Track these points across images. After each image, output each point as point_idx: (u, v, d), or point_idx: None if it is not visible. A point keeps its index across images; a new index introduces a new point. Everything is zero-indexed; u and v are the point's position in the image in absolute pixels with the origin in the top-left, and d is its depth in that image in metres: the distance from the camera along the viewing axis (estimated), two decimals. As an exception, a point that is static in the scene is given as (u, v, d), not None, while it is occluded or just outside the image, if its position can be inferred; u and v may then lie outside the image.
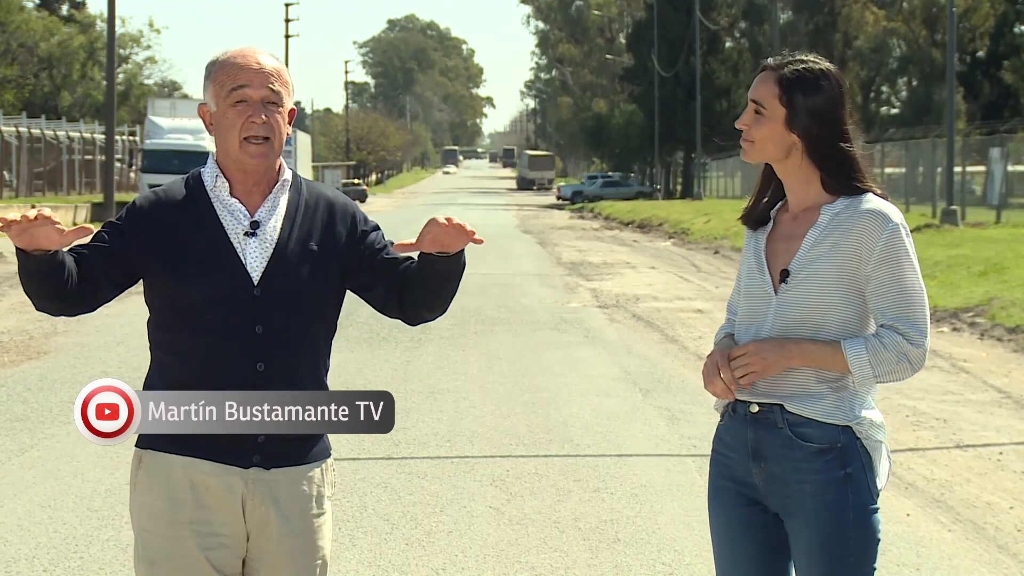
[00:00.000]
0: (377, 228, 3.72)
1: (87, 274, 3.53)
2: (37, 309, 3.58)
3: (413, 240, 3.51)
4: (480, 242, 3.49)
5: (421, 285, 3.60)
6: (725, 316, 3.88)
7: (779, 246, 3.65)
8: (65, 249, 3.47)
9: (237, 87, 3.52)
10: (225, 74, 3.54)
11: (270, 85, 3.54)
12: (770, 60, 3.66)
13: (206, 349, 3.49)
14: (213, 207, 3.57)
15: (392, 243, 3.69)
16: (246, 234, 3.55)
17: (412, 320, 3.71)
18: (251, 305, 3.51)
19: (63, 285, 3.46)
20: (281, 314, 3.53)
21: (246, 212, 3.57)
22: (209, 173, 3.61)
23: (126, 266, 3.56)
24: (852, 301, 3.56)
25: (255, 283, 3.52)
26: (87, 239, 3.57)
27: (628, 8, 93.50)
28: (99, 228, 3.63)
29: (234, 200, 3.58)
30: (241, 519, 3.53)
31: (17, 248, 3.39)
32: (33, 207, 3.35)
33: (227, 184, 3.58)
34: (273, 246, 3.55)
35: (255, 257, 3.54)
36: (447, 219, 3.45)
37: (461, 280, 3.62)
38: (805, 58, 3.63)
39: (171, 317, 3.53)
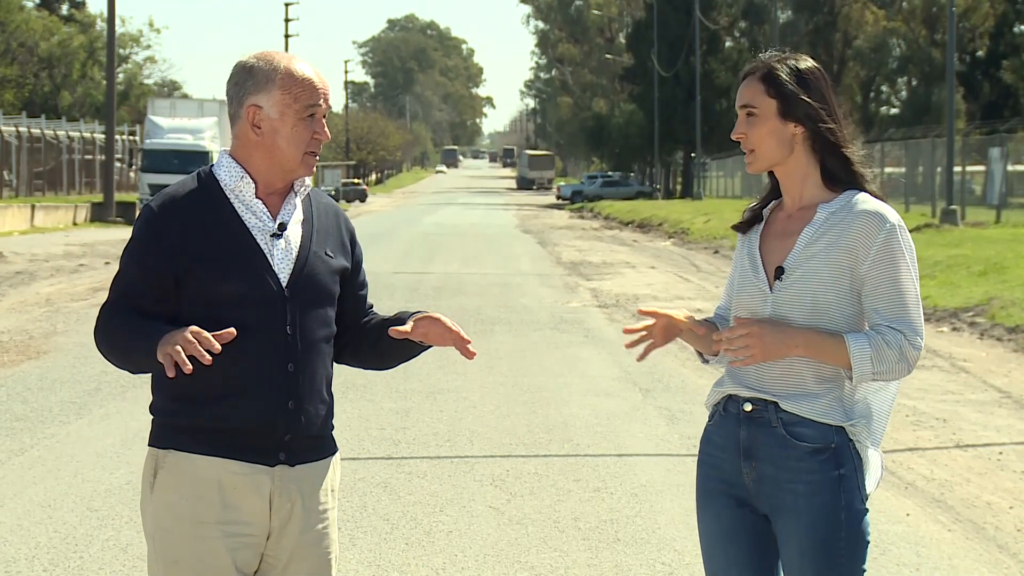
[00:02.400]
0: (362, 259, 3.83)
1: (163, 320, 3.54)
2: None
3: (408, 327, 3.62)
4: (472, 356, 3.62)
5: (374, 348, 3.74)
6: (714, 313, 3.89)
7: (773, 244, 3.64)
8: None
9: (314, 104, 3.59)
10: (301, 88, 3.58)
11: (328, 101, 3.65)
12: (749, 67, 3.69)
13: (240, 348, 3.48)
14: (233, 207, 3.58)
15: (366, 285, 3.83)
16: (272, 235, 3.57)
17: (341, 361, 3.83)
18: (282, 306, 3.54)
19: None
20: (307, 315, 3.58)
21: (269, 214, 3.60)
22: (229, 173, 3.61)
23: (171, 283, 3.54)
24: (849, 300, 3.55)
25: (284, 284, 3.56)
26: (127, 287, 3.56)
27: (628, 8, 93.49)
28: (130, 268, 3.58)
29: (258, 201, 3.60)
30: (267, 517, 3.56)
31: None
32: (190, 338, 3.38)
33: (253, 185, 3.60)
34: (297, 248, 3.60)
35: (281, 259, 3.57)
36: (452, 325, 3.61)
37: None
38: (782, 54, 3.68)
39: (201, 313, 3.49)
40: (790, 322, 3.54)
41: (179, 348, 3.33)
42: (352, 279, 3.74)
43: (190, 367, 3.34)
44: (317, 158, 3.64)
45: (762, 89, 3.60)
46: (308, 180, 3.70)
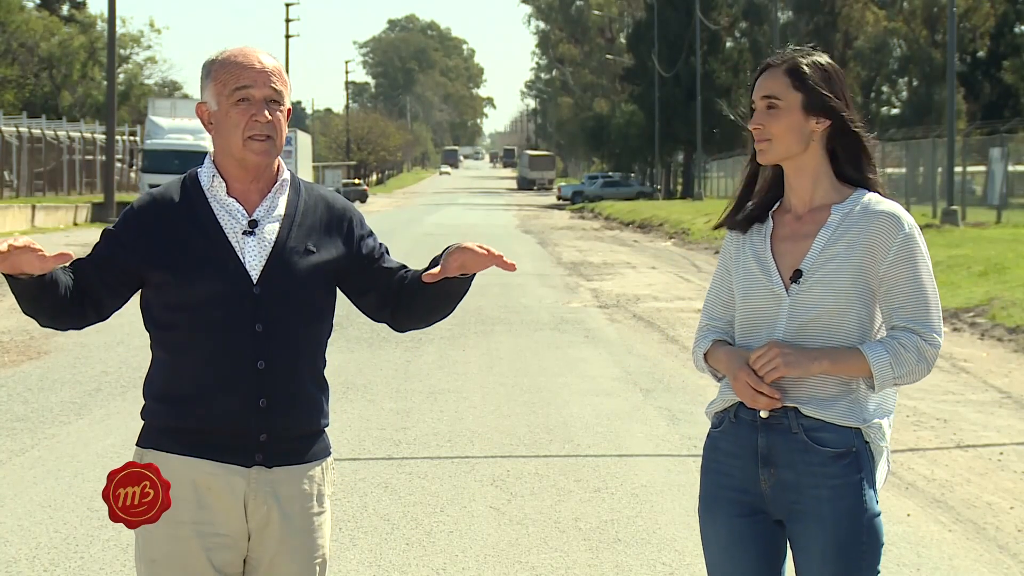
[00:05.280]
0: (372, 233, 3.76)
1: (85, 287, 3.55)
2: (42, 326, 3.63)
3: (437, 269, 3.52)
4: (512, 268, 3.52)
5: (423, 300, 3.64)
6: (703, 321, 3.80)
7: (784, 247, 3.61)
8: (63, 265, 3.48)
9: (240, 87, 3.54)
10: (227, 73, 3.55)
11: (272, 84, 3.56)
12: (770, 59, 3.66)
13: (207, 347, 3.51)
14: (210, 206, 3.58)
15: (386, 249, 3.76)
16: (244, 233, 3.56)
17: (401, 329, 3.80)
18: (251, 303, 3.52)
19: (59, 302, 3.49)
20: (280, 312, 3.55)
21: (244, 211, 3.59)
22: (206, 173, 3.62)
23: (124, 274, 3.57)
24: (866, 301, 3.54)
25: (254, 281, 3.53)
26: (88, 251, 3.60)
27: (628, 8, 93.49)
28: (98, 240, 3.65)
29: (232, 199, 3.59)
30: (243, 518, 3.54)
31: (4, 274, 3.40)
32: (14, 237, 3.38)
33: (224, 183, 3.60)
34: (272, 245, 3.57)
35: (254, 256, 3.55)
36: (483, 248, 3.48)
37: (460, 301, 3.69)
38: (802, 50, 3.66)
39: (172, 315, 3.55)
40: (805, 330, 3.52)
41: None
42: (361, 258, 3.67)
43: None
44: (268, 142, 3.55)
45: (788, 82, 3.58)
46: (286, 173, 3.66)
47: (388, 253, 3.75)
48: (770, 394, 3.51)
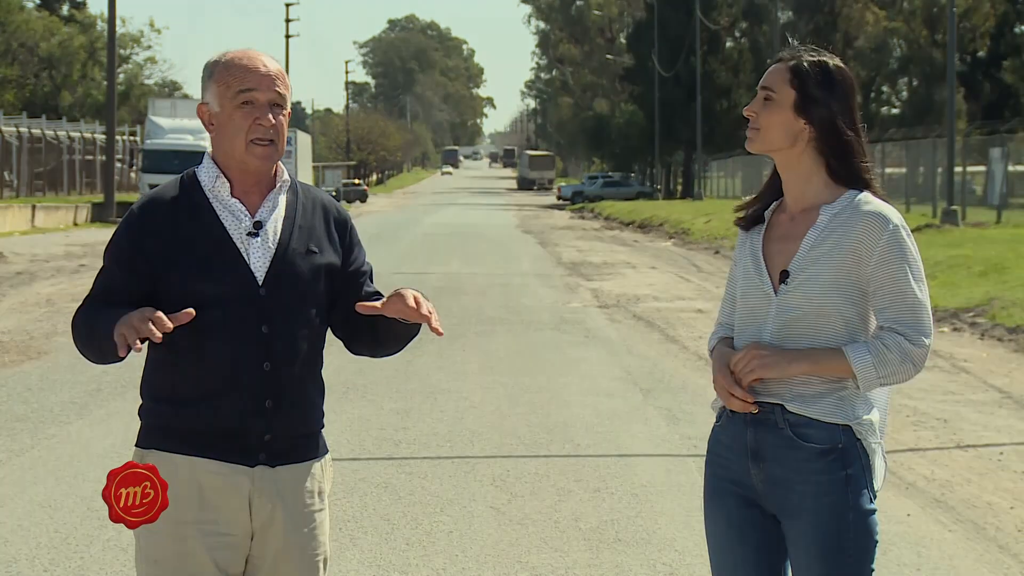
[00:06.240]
0: (362, 245, 3.79)
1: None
2: (96, 364, 3.68)
3: (379, 304, 3.57)
4: (439, 333, 3.54)
5: (373, 332, 3.70)
6: (717, 319, 3.84)
7: (777, 247, 3.62)
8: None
9: (245, 89, 3.53)
10: (231, 76, 3.55)
11: (276, 88, 3.56)
12: (784, 52, 3.68)
13: (213, 349, 3.50)
14: (212, 207, 3.57)
15: (371, 269, 3.80)
16: (249, 234, 3.56)
17: (353, 351, 3.85)
18: (257, 305, 3.52)
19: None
20: (286, 314, 3.55)
21: (247, 212, 3.58)
22: (207, 173, 3.61)
23: (143, 286, 3.55)
24: (854, 302, 3.54)
25: (260, 283, 3.53)
26: (105, 285, 3.58)
27: (628, 8, 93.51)
28: (103, 264, 3.64)
29: (235, 200, 3.58)
30: (247, 517, 3.55)
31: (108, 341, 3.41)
32: (152, 317, 3.39)
33: (227, 184, 3.59)
34: (275, 246, 3.57)
35: (258, 257, 3.55)
36: (415, 299, 3.51)
37: (410, 343, 3.76)
38: (818, 50, 3.67)
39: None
40: (791, 330, 3.53)
41: (134, 327, 3.34)
42: (346, 269, 3.70)
43: (140, 346, 3.35)
44: (270, 147, 3.55)
45: (787, 78, 3.59)
46: (285, 174, 3.66)
47: (371, 276, 3.79)
48: (742, 397, 3.53)
